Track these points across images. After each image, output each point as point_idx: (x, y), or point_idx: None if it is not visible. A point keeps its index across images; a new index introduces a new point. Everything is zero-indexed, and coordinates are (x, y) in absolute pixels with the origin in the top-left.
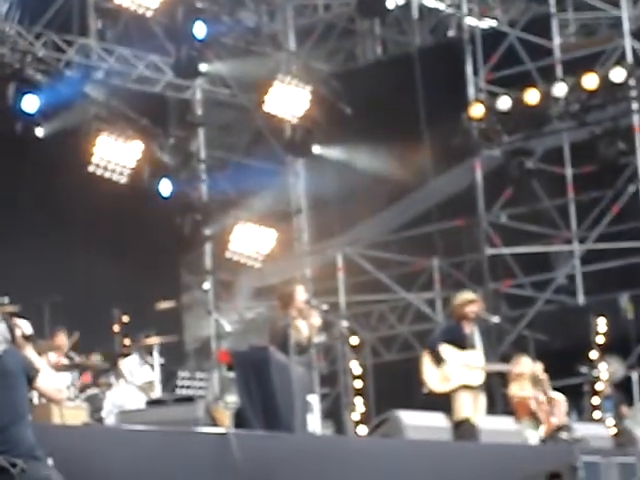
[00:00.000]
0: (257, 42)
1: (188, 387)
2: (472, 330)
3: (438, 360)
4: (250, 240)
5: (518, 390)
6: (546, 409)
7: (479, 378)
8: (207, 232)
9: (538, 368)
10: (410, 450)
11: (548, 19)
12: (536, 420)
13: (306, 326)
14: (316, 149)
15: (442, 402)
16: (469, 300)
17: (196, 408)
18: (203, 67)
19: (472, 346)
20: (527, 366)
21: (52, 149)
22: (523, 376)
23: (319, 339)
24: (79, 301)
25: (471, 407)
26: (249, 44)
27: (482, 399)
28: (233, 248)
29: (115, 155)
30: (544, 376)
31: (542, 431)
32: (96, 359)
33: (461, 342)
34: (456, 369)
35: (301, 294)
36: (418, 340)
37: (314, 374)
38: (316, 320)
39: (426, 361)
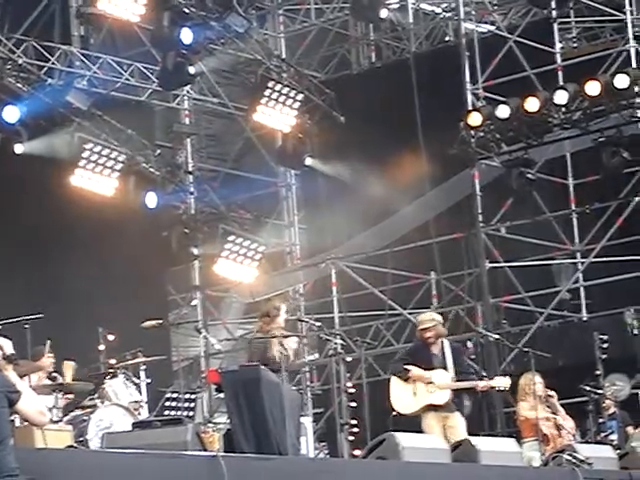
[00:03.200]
0: (247, 48)
1: (176, 408)
2: (441, 349)
3: (406, 378)
4: (240, 255)
5: (527, 409)
6: (553, 429)
7: (444, 397)
8: (195, 251)
9: (537, 384)
10: (408, 473)
11: (549, 23)
12: (542, 440)
13: (287, 345)
14: (309, 161)
15: (412, 424)
16: (422, 328)
17: (184, 430)
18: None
19: (441, 365)
20: (533, 383)
21: (34, 160)
22: (530, 394)
23: (305, 359)
24: (63, 319)
25: (438, 428)
26: (239, 51)
27: (455, 419)
28: (222, 263)
29: (99, 166)
30: (552, 393)
31: (545, 452)
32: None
33: (427, 362)
34: (421, 390)
35: (281, 311)
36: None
37: (299, 395)
38: (294, 340)
39: (393, 386)
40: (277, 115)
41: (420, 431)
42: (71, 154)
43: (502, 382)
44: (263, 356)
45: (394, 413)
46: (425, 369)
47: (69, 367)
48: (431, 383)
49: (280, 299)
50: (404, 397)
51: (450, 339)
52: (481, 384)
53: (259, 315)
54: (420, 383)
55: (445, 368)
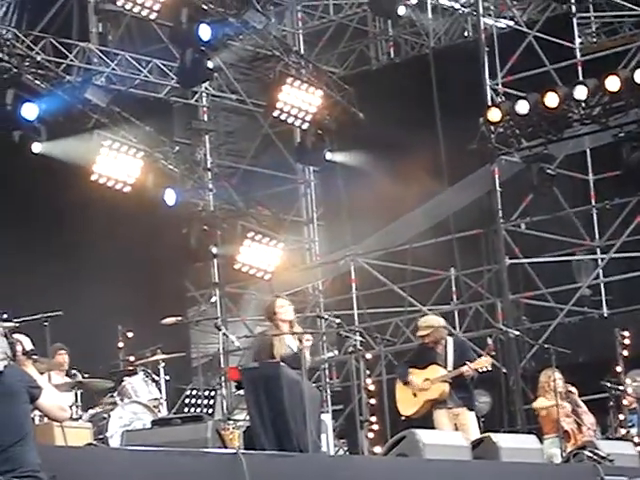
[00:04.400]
0: (265, 45)
1: (196, 405)
2: (444, 347)
3: (405, 383)
4: (259, 251)
5: (546, 404)
6: (575, 426)
7: (439, 390)
8: (214, 249)
9: (560, 380)
10: (428, 469)
11: (568, 19)
12: (563, 436)
13: (294, 341)
14: (328, 156)
15: (424, 427)
16: (420, 335)
17: (204, 428)
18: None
19: (444, 364)
20: (553, 379)
21: (53, 158)
22: (551, 390)
23: (322, 356)
24: (82, 317)
25: (449, 425)
26: (257, 47)
27: (466, 415)
28: (241, 259)
29: (118, 163)
30: (573, 389)
31: (566, 449)
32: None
33: (428, 362)
34: (418, 388)
35: (284, 306)
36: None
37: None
38: (306, 338)
39: (398, 390)
40: (295, 111)
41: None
42: (90, 155)
43: (483, 362)
44: (267, 357)
45: (402, 418)
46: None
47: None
48: (427, 380)
49: (274, 297)
50: (406, 399)
51: (469, 336)
52: (464, 369)
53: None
54: (418, 382)
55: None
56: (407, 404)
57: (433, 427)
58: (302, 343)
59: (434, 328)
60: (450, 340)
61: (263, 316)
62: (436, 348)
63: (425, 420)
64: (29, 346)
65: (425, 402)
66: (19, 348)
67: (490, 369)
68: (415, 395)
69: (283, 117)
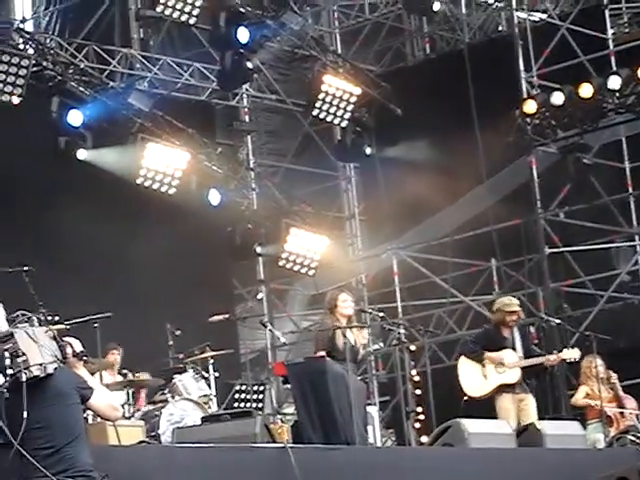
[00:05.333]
0: (303, 45)
1: (245, 400)
2: (512, 332)
3: (479, 360)
4: (303, 247)
5: (590, 392)
6: (616, 410)
7: (515, 376)
8: (259, 247)
9: (601, 367)
10: (474, 458)
11: (600, 10)
12: (606, 422)
13: (352, 335)
14: (367, 152)
15: (484, 408)
16: (509, 310)
17: (253, 423)
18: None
19: (511, 348)
20: (595, 366)
21: (98, 164)
22: (593, 376)
23: (370, 349)
24: (131, 316)
25: (513, 408)
26: (295, 47)
27: (529, 401)
28: (286, 256)
29: (163, 166)
30: (614, 375)
31: (610, 433)
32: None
33: (498, 345)
34: (491, 371)
35: (347, 300)
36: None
37: (366, 384)
38: (364, 334)
39: (462, 368)
40: (334, 109)
41: (492, 414)
42: (134, 159)
43: (572, 354)
44: (328, 347)
45: (465, 398)
46: (496, 351)
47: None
48: (501, 363)
49: (339, 290)
50: (475, 380)
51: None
52: (551, 358)
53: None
54: (489, 364)
55: (514, 350)
56: (475, 385)
57: (491, 410)
58: (361, 338)
59: (520, 310)
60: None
61: (324, 308)
62: (504, 332)
63: (485, 403)
64: (79, 348)
65: (499, 386)
66: (69, 350)
67: (578, 359)
68: (485, 376)
69: (322, 115)
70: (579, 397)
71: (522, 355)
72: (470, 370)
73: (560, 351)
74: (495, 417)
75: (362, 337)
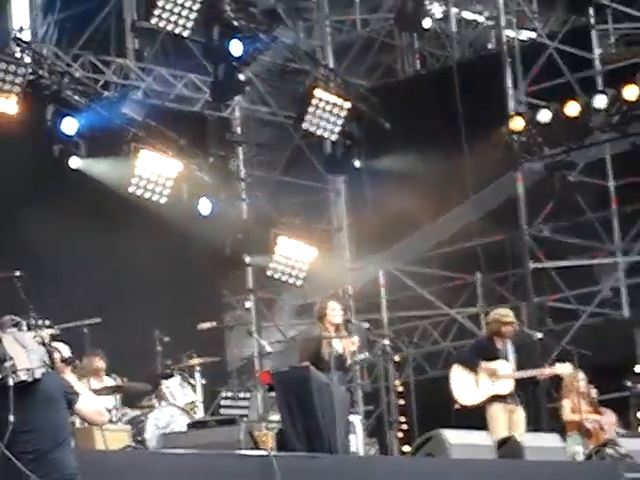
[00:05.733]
0: (295, 59)
1: (231, 407)
2: (504, 344)
3: (473, 371)
4: (291, 258)
5: (570, 405)
6: (596, 423)
7: (508, 387)
8: (248, 257)
9: (580, 379)
10: (455, 469)
11: (587, 30)
12: (584, 434)
13: (340, 344)
14: (356, 165)
15: (475, 418)
16: (506, 321)
17: (238, 430)
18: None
19: (503, 360)
20: (576, 380)
21: (91, 173)
22: (573, 390)
23: (357, 358)
24: (120, 323)
25: (505, 419)
26: (287, 61)
27: (520, 413)
28: (274, 267)
29: (154, 175)
30: (593, 390)
31: (589, 446)
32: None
33: (492, 357)
34: (484, 381)
35: (336, 309)
36: (456, 357)
37: (351, 393)
38: (353, 341)
39: (454, 376)
40: (324, 123)
41: (482, 424)
42: (127, 168)
43: (564, 368)
44: (314, 356)
45: (457, 406)
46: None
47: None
48: (495, 374)
49: (328, 298)
50: (467, 389)
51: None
52: (545, 371)
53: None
54: (483, 374)
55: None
56: (468, 394)
57: (484, 419)
58: (350, 345)
59: (514, 322)
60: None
61: (313, 316)
62: (497, 343)
63: (476, 412)
64: (67, 353)
65: (490, 396)
66: (57, 356)
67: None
68: (478, 386)
69: (312, 129)
70: (567, 412)
71: (515, 367)
72: (463, 379)
73: (552, 365)
74: (485, 427)
75: (351, 344)
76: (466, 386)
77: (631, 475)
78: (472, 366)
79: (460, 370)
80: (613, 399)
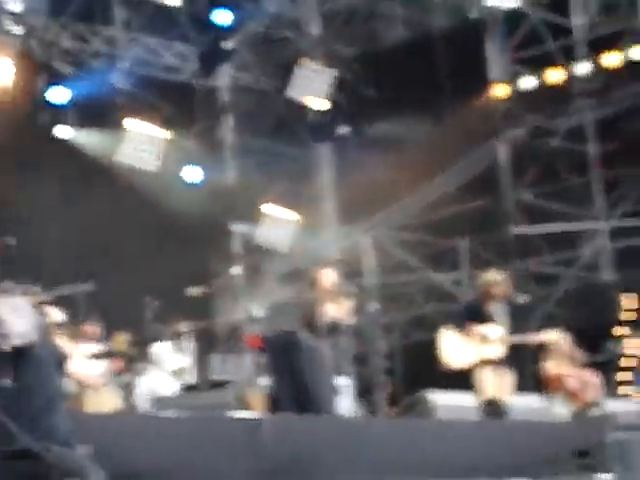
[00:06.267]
0: (280, 27)
1: (220, 372)
2: (496, 308)
3: (464, 334)
4: (278, 225)
5: (554, 367)
6: (580, 385)
7: (499, 352)
8: (236, 224)
9: (565, 342)
10: (440, 430)
11: None
12: (569, 396)
13: (335, 309)
14: (341, 132)
15: (464, 380)
16: (496, 281)
17: (228, 393)
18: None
19: (495, 323)
20: (560, 337)
21: (80, 142)
22: (557, 352)
23: (350, 322)
24: (111, 289)
25: (494, 383)
26: (272, 29)
27: (508, 376)
28: (261, 233)
29: (143, 144)
30: (579, 352)
31: (573, 407)
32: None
33: (483, 320)
34: (475, 344)
35: (329, 276)
36: (446, 320)
37: (346, 356)
38: (347, 303)
39: (445, 338)
40: (309, 90)
41: (471, 387)
42: (115, 138)
43: (552, 336)
44: (308, 320)
45: (445, 369)
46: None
47: (119, 340)
48: (485, 338)
49: (320, 265)
50: (457, 352)
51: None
52: (535, 338)
53: (307, 279)
54: (474, 338)
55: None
56: (457, 357)
57: (471, 382)
58: (343, 309)
59: (506, 282)
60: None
61: (308, 283)
62: (489, 307)
63: (463, 375)
64: (60, 317)
65: (482, 360)
66: (50, 320)
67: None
68: (469, 349)
69: (298, 97)
70: (550, 368)
71: (506, 331)
72: (453, 342)
73: (542, 330)
74: (472, 389)
75: (344, 309)
76: (456, 349)
77: (615, 435)
78: (462, 329)
79: (449, 333)
80: (595, 362)
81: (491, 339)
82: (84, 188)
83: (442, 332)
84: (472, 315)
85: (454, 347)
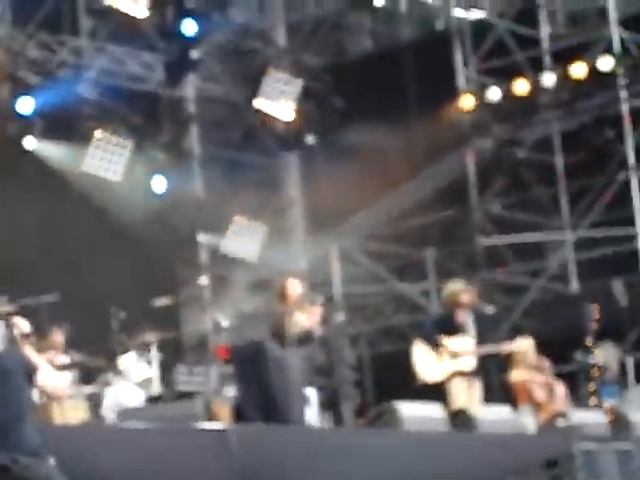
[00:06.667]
0: (247, 38)
1: (186, 382)
2: (465, 318)
3: (436, 347)
4: (245, 235)
5: (520, 376)
6: (547, 396)
7: (471, 363)
8: (202, 234)
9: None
10: (407, 441)
11: (536, 9)
12: (536, 406)
13: (305, 318)
14: (309, 142)
15: (436, 392)
16: (462, 289)
17: (195, 404)
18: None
19: (463, 334)
20: (528, 347)
21: (46, 153)
22: (524, 362)
23: (318, 331)
24: (76, 299)
25: (465, 394)
26: (239, 40)
27: (477, 386)
28: (228, 243)
29: (108, 154)
30: (545, 362)
31: (540, 418)
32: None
33: (454, 331)
34: (447, 357)
35: (296, 286)
36: (414, 331)
37: (315, 366)
38: (316, 312)
39: (418, 352)
40: (277, 102)
41: (437, 399)
42: (81, 148)
43: (524, 344)
44: (279, 332)
45: (419, 382)
46: (451, 337)
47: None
48: (456, 350)
49: (285, 277)
50: (430, 365)
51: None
52: (506, 347)
53: (273, 290)
54: (445, 351)
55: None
56: (431, 370)
57: (445, 394)
58: (315, 317)
59: (471, 290)
60: (467, 313)
61: (275, 294)
62: (458, 317)
63: (438, 388)
64: (27, 328)
65: (453, 373)
66: (17, 331)
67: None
68: (441, 362)
69: (265, 107)
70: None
71: (476, 341)
72: (426, 355)
73: (511, 340)
74: (441, 400)
75: (315, 316)
76: (429, 363)
77: (582, 446)
78: (434, 343)
79: (422, 346)
80: (563, 372)
81: (462, 352)
82: (48, 199)
83: (414, 346)
84: (443, 327)
85: (426, 361)
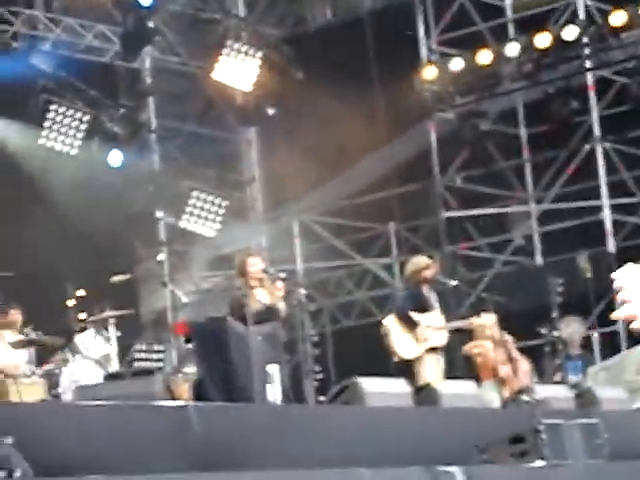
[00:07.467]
0: (205, 8)
1: (145, 360)
2: (429, 293)
3: (411, 325)
4: (204, 209)
5: (484, 351)
6: (511, 371)
7: (443, 339)
8: (160, 209)
9: (495, 327)
10: (371, 417)
11: None
12: (499, 382)
13: (266, 295)
14: (269, 115)
15: (396, 366)
16: (424, 265)
17: (154, 381)
18: (151, 34)
19: (431, 309)
20: (491, 322)
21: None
22: (486, 337)
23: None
24: (32, 277)
25: (435, 370)
26: (197, 10)
27: (441, 361)
28: (187, 218)
29: (64, 127)
30: (508, 337)
31: (504, 393)
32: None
33: (423, 306)
34: (424, 333)
35: (256, 263)
36: (376, 306)
37: (277, 343)
38: (278, 288)
39: (393, 330)
40: (237, 73)
41: (400, 374)
42: (37, 122)
43: (489, 319)
44: (242, 310)
45: (396, 359)
46: (421, 312)
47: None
48: (429, 326)
49: (245, 254)
50: (406, 342)
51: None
52: (467, 323)
53: (234, 266)
54: (419, 327)
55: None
56: (407, 347)
57: (410, 370)
58: (277, 292)
59: (434, 265)
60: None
61: (235, 270)
62: (424, 291)
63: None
64: None
65: (428, 349)
66: None
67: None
68: (416, 339)
69: (224, 79)
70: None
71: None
72: (400, 333)
73: (478, 316)
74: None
75: (277, 291)
76: (405, 341)
77: (547, 421)
78: (408, 320)
79: (396, 323)
80: (527, 347)
81: (436, 328)
82: (3, 174)
83: (387, 323)
84: (414, 303)
85: (403, 339)
